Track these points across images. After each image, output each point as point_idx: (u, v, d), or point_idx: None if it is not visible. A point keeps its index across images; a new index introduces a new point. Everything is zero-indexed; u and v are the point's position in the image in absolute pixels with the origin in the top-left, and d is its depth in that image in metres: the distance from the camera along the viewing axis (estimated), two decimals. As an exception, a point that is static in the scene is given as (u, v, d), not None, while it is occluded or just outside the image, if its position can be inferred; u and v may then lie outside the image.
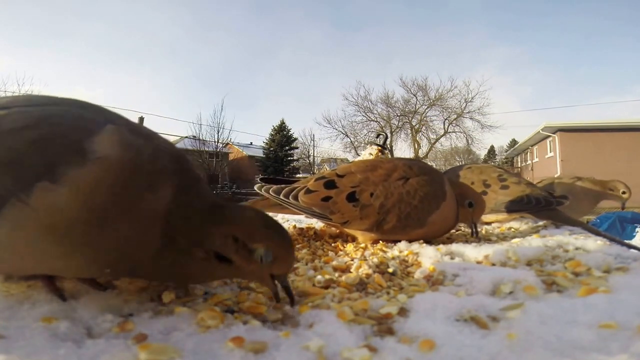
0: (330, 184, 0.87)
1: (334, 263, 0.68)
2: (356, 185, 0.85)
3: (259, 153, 23.54)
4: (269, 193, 0.92)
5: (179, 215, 0.41)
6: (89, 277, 0.45)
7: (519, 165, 19.61)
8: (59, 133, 0.35)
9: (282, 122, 22.37)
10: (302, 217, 1.19)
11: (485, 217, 1.18)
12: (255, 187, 0.96)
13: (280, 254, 0.46)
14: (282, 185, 0.92)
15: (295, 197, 0.88)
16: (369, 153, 1.60)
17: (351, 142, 19.03)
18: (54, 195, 0.33)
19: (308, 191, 0.88)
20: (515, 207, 1.10)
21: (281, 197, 0.89)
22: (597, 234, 0.89)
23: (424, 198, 0.84)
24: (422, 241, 0.83)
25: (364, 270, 0.63)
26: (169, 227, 0.40)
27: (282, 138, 22.31)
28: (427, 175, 0.87)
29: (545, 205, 1.08)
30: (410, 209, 0.83)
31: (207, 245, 0.43)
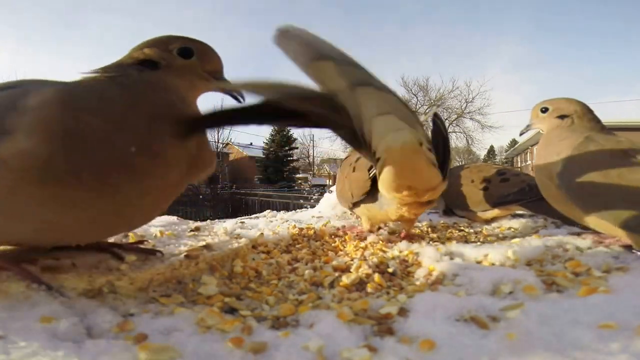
0: None
1: (334, 263, 0.68)
2: None
3: (259, 153, 23.56)
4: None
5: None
6: (96, 239, 0.49)
7: (519, 165, 19.65)
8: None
9: (282, 123, 22.34)
10: (302, 217, 1.19)
11: (485, 214, 1.19)
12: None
13: (200, 47, 0.54)
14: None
15: None
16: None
17: (351, 142, 18.98)
18: (14, 142, 0.39)
19: None
20: (519, 196, 1.12)
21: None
22: (594, 233, 0.88)
23: None
24: (422, 241, 0.83)
25: (364, 270, 0.63)
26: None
27: (282, 138, 22.34)
28: None
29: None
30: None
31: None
